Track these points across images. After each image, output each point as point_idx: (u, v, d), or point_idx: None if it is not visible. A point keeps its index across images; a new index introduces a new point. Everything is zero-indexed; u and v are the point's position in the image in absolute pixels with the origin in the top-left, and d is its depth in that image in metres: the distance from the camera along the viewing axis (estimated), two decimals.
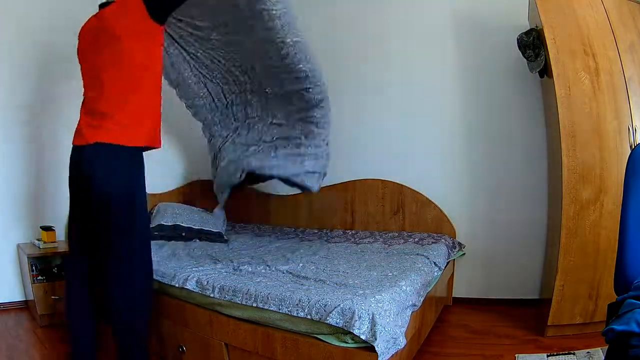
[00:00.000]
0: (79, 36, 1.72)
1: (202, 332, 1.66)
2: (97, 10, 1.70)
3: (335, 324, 1.27)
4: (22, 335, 2.16)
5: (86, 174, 1.53)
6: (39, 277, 2.41)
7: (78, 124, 1.65)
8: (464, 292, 2.72)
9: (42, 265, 2.49)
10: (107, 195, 1.51)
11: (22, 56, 2.63)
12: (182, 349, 1.75)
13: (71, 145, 1.67)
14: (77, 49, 1.74)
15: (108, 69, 1.56)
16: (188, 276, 1.76)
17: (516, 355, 1.84)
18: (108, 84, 1.56)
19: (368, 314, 1.25)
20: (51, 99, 2.76)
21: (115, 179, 1.53)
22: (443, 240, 2.44)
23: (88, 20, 1.70)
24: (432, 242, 2.37)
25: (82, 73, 1.72)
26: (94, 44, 1.61)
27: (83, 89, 1.73)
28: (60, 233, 2.76)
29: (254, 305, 1.47)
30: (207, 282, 1.66)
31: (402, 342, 1.30)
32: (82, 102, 1.70)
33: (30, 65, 2.66)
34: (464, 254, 2.68)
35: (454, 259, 2.55)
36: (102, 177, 1.51)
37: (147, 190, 1.68)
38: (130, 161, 1.58)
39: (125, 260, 1.56)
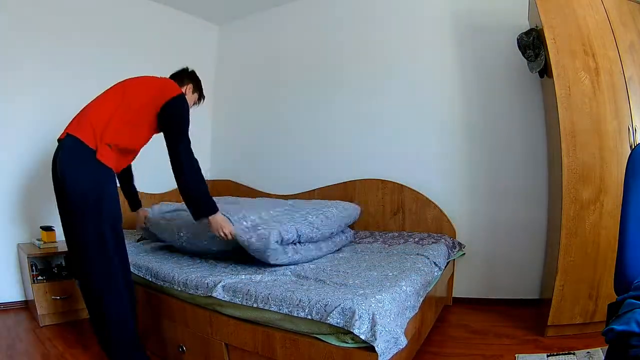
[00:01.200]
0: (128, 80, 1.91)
1: (202, 332, 1.66)
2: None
3: (335, 324, 1.27)
4: (22, 335, 2.16)
5: (58, 165, 1.66)
6: (39, 277, 2.41)
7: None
8: (464, 292, 2.72)
9: (42, 265, 2.49)
10: (72, 188, 1.60)
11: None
12: (182, 349, 1.75)
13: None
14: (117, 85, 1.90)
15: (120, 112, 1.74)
16: (187, 277, 1.76)
17: (516, 355, 1.84)
18: (114, 119, 1.71)
19: (368, 314, 1.25)
20: (61, 103, 2.77)
21: (81, 171, 1.62)
22: (443, 240, 2.44)
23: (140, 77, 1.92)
24: (432, 242, 2.36)
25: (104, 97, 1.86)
26: (125, 91, 1.82)
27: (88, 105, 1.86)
28: (60, 233, 2.76)
29: (255, 305, 1.46)
30: (207, 283, 1.66)
31: (403, 341, 1.30)
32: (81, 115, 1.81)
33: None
34: (464, 254, 2.68)
35: (454, 259, 2.55)
36: (69, 168, 1.62)
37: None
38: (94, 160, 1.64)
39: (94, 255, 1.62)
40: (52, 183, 1.79)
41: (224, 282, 1.61)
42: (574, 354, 1.79)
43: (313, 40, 3.39)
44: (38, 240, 2.54)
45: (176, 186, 1.78)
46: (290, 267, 1.83)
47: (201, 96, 2.16)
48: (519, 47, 2.30)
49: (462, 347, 2.01)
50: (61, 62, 2.81)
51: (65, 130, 1.72)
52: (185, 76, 2.08)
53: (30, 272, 2.35)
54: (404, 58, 2.97)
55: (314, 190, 3.28)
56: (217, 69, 3.97)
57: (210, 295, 1.60)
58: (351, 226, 3.07)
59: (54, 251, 2.46)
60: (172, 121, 1.76)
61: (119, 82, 1.90)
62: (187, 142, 1.75)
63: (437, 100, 2.84)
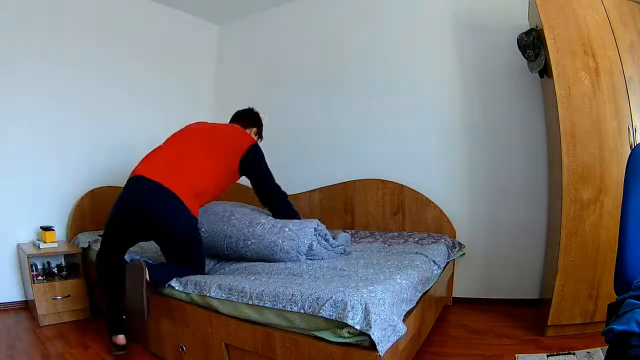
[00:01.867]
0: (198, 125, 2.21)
1: (202, 332, 1.66)
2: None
3: (328, 317, 1.27)
4: (22, 335, 2.16)
5: (157, 207, 1.86)
6: (39, 277, 2.41)
7: (157, 163, 1.98)
8: (464, 292, 2.72)
9: (42, 265, 2.50)
10: (178, 230, 1.87)
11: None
12: (182, 349, 1.75)
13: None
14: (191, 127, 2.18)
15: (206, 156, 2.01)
16: (187, 279, 1.76)
17: (516, 355, 1.84)
18: (198, 162, 1.98)
19: (361, 304, 1.24)
20: (61, 103, 2.78)
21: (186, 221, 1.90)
22: (443, 240, 2.44)
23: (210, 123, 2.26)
24: (432, 242, 2.36)
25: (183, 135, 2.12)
26: (207, 135, 2.11)
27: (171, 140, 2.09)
28: (61, 233, 2.77)
29: (250, 302, 1.47)
30: (205, 281, 1.67)
31: (402, 329, 1.28)
32: (165, 149, 2.06)
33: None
34: (464, 254, 2.68)
35: (454, 259, 2.55)
36: (178, 216, 1.88)
37: None
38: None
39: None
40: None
41: (220, 281, 1.62)
42: (574, 354, 1.79)
43: (313, 40, 3.39)
44: (38, 240, 2.54)
45: None
46: (287, 265, 1.84)
47: (260, 137, 2.49)
48: (519, 47, 2.30)
49: (462, 347, 2.01)
50: (61, 62, 2.82)
51: (158, 174, 1.90)
52: (255, 120, 2.45)
53: (30, 272, 2.35)
54: (404, 58, 2.97)
55: (314, 190, 3.28)
56: (217, 69, 3.97)
57: (207, 295, 1.60)
58: (351, 226, 3.09)
59: (54, 251, 2.46)
60: (259, 167, 2.16)
61: (200, 135, 2.11)
62: (274, 180, 2.22)
63: (437, 100, 2.84)
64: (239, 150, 2.07)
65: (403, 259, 1.93)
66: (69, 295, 2.36)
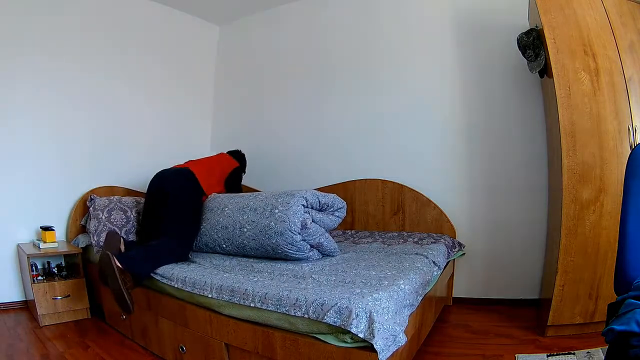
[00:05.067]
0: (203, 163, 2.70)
1: (202, 332, 1.66)
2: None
3: (332, 323, 1.27)
4: (22, 335, 2.16)
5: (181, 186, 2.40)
6: (39, 277, 2.41)
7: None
8: (464, 292, 2.72)
9: (42, 265, 2.49)
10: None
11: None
12: (183, 349, 1.75)
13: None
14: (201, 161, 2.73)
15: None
16: (186, 277, 1.76)
17: (516, 355, 1.84)
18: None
19: (365, 312, 1.24)
20: (60, 102, 2.78)
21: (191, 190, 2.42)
22: (443, 240, 2.44)
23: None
24: (432, 242, 2.36)
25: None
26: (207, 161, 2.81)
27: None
28: (61, 233, 2.77)
29: (252, 305, 1.47)
30: (205, 282, 1.66)
31: (402, 339, 1.29)
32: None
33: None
34: (464, 254, 2.68)
35: (454, 259, 2.55)
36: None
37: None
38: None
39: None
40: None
41: (221, 282, 1.62)
42: (574, 354, 1.79)
43: (313, 40, 3.39)
44: (38, 240, 2.54)
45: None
46: (289, 267, 1.84)
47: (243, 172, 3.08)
48: (519, 47, 2.30)
49: (462, 347, 2.01)
50: (61, 62, 2.82)
51: (191, 166, 2.54)
52: (240, 158, 3.04)
53: (30, 272, 2.35)
54: (404, 58, 2.97)
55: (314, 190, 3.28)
56: (217, 69, 3.97)
57: (209, 295, 1.60)
58: (351, 226, 3.09)
59: (54, 251, 2.46)
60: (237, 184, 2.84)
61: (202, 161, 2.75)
62: None
63: (437, 100, 2.84)
64: (227, 169, 2.78)
65: (403, 260, 1.93)
66: (69, 295, 2.37)
